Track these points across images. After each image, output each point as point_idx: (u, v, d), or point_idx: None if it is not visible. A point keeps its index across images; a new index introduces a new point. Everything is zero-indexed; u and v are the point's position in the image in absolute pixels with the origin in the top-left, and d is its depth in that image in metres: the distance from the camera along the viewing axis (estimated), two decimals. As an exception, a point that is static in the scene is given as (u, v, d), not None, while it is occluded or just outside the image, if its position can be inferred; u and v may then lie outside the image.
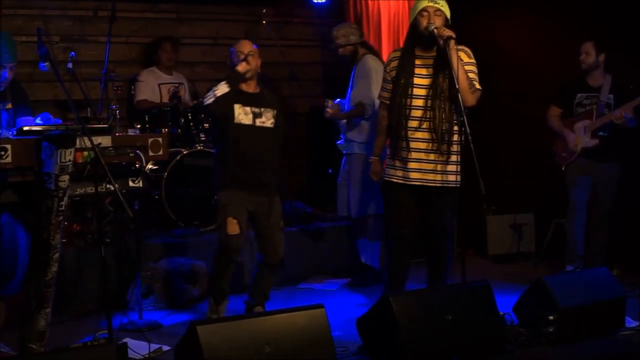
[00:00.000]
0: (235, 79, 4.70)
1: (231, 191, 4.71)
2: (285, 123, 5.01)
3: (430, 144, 4.38)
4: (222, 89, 4.65)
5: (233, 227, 4.65)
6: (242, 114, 4.71)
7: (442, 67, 4.34)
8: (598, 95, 5.68)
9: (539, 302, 4.25)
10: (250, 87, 4.81)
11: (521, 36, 6.89)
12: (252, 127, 4.73)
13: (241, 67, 4.70)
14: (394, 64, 4.49)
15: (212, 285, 4.87)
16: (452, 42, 4.20)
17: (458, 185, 4.40)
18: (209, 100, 4.65)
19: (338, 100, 5.89)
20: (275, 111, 4.84)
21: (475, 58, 4.47)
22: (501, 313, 4.22)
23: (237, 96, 4.72)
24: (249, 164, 4.70)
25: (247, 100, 4.75)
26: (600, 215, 5.77)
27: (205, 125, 6.26)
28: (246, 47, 4.79)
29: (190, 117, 6.25)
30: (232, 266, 4.81)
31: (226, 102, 4.67)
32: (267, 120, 4.79)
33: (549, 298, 4.21)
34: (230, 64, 4.83)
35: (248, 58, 4.71)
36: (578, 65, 5.74)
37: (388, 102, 4.53)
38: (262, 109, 4.78)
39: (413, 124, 4.38)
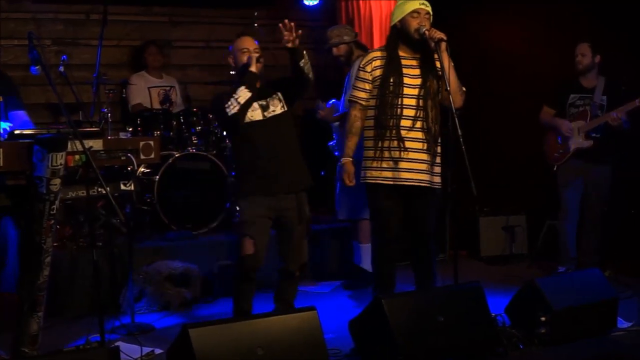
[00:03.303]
0: (253, 81, 4.36)
1: (252, 200, 4.40)
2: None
3: (423, 144, 4.40)
4: (244, 94, 4.29)
5: (249, 247, 4.35)
6: (250, 111, 4.37)
7: (429, 67, 4.35)
8: (591, 96, 5.67)
9: (531, 303, 4.26)
10: None
11: (514, 36, 6.89)
12: (263, 122, 4.41)
13: (255, 68, 4.39)
14: (377, 63, 4.48)
15: (233, 304, 4.56)
16: (443, 44, 4.22)
17: (440, 187, 4.42)
18: (234, 109, 4.27)
19: (333, 101, 5.88)
20: (279, 93, 4.51)
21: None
22: (493, 314, 4.23)
23: None
24: (268, 162, 4.38)
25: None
26: (592, 217, 5.78)
27: (197, 128, 6.26)
28: (252, 44, 4.50)
29: (182, 120, 6.25)
30: (251, 285, 4.48)
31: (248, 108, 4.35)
32: (275, 107, 4.46)
33: (541, 299, 4.22)
34: (234, 62, 4.53)
35: (260, 59, 4.44)
36: (573, 66, 5.74)
37: (364, 103, 4.52)
38: (268, 99, 4.47)
39: (406, 123, 4.39)
